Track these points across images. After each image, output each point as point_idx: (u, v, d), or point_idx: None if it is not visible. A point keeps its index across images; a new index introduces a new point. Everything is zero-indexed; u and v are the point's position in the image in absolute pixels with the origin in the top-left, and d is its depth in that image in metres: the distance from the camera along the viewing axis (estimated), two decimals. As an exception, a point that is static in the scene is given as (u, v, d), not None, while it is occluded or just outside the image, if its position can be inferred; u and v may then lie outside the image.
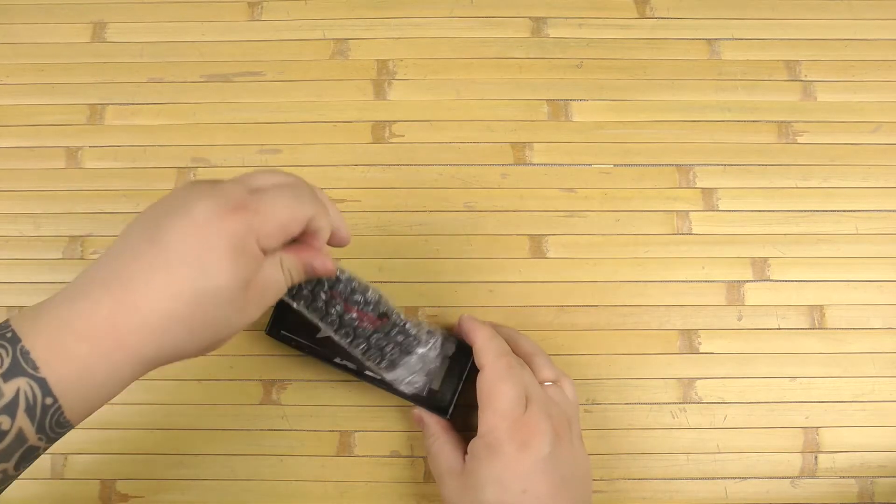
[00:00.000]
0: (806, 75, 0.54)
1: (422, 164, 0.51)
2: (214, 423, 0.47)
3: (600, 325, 0.48)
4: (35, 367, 0.29)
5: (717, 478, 0.47)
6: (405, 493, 0.46)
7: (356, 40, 0.54)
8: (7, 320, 0.31)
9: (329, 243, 0.37)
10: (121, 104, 0.53)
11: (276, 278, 0.34)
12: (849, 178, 0.52)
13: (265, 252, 0.33)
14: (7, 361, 0.29)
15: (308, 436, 0.47)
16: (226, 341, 0.34)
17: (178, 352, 0.32)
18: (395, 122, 0.52)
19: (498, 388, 0.39)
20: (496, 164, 0.52)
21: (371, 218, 0.50)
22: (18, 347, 0.29)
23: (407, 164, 0.51)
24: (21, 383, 0.29)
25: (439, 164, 0.51)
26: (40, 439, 0.30)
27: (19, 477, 0.32)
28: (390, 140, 0.52)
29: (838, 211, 0.51)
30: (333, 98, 0.53)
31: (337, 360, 0.45)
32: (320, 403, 0.47)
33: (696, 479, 0.47)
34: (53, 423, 0.30)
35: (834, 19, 0.55)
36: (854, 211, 0.51)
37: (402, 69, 0.53)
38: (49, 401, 0.29)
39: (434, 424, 0.43)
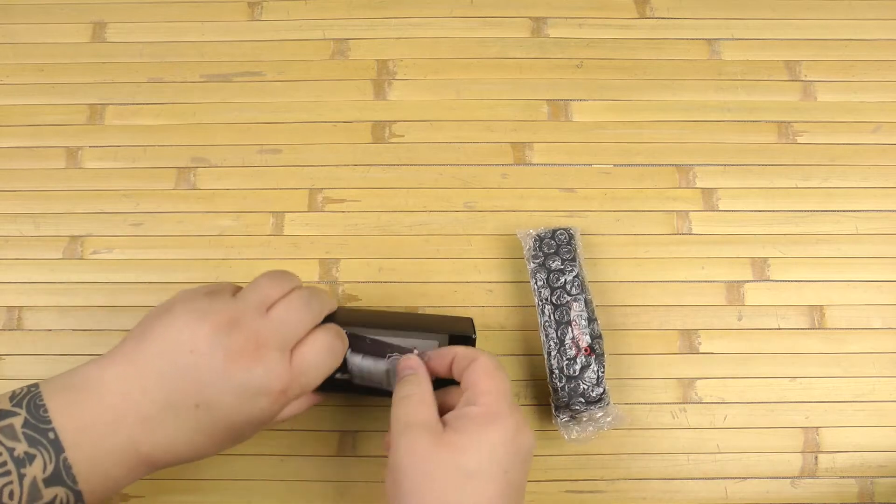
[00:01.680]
0: (806, 75, 0.54)
1: (422, 164, 0.51)
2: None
3: (600, 325, 0.48)
4: (75, 482, 0.33)
5: (717, 478, 0.47)
6: (405, 493, 0.46)
7: (356, 40, 0.54)
8: (42, 402, 0.33)
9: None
10: (121, 104, 0.53)
11: (287, 416, 0.39)
12: (849, 178, 0.51)
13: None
14: (50, 469, 0.32)
15: (308, 436, 0.47)
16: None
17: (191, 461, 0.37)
18: (395, 122, 0.52)
19: (499, 372, 0.37)
20: (496, 164, 0.52)
21: (371, 218, 0.50)
22: (62, 458, 0.33)
23: (407, 164, 0.51)
24: (59, 492, 0.33)
25: (439, 164, 0.51)
26: None
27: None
28: (390, 140, 0.52)
29: (838, 211, 0.51)
30: (333, 98, 0.53)
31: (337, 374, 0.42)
32: (320, 403, 0.47)
33: (696, 479, 0.47)
34: None
35: (834, 19, 0.55)
36: (854, 211, 0.51)
37: (402, 69, 0.53)
38: None
39: (423, 371, 0.39)
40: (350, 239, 0.50)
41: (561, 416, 0.45)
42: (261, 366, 0.35)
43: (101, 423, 0.34)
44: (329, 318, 0.40)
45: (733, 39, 0.54)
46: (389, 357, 0.41)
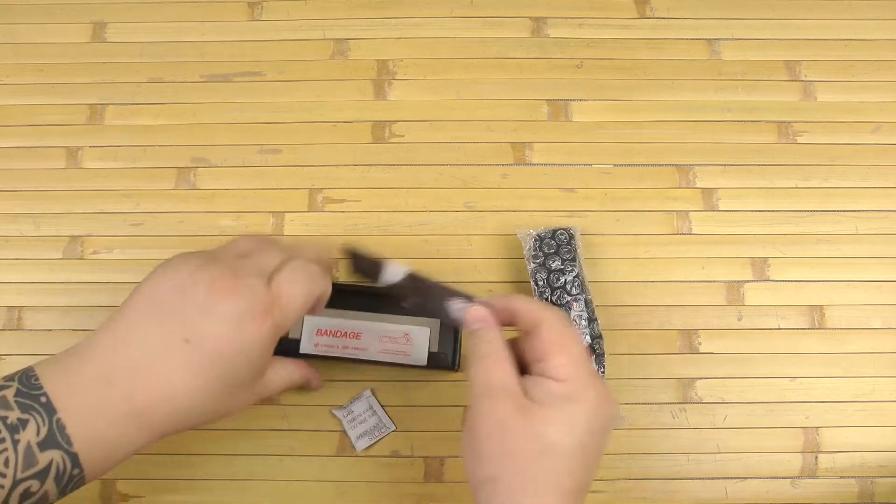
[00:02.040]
0: (806, 75, 0.54)
1: (422, 164, 0.51)
2: (214, 423, 0.47)
3: (600, 325, 0.48)
4: (69, 443, 0.32)
5: (717, 478, 0.47)
6: (405, 493, 0.46)
7: (356, 40, 0.54)
8: (34, 373, 0.33)
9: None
10: (121, 104, 0.53)
11: (282, 384, 0.41)
12: (849, 178, 0.52)
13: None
14: (43, 432, 0.32)
15: (308, 436, 0.47)
16: (232, 415, 0.39)
17: (190, 427, 0.36)
18: (395, 122, 0.52)
19: (569, 335, 0.35)
20: (496, 164, 0.52)
21: (371, 218, 0.50)
22: (55, 420, 0.32)
23: (407, 164, 0.51)
24: (55, 455, 0.32)
25: (439, 164, 0.51)
26: (57, 497, 0.33)
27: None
28: (390, 140, 0.52)
29: (838, 211, 0.51)
30: (333, 98, 0.53)
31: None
32: (320, 403, 0.47)
33: (696, 479, 0.47)
34: (73, 486, 0.33)
35: (834, 19, 0.55)
36: (854, 211, 0.51)
37: (402, 69, 0.53)
38: (77, 472, 0.33)
39: (494, 332, 0.37)
40: (350, 239, 0.50)
41: None
42: (239, 291, 0.35)
43: (92, 380, 0.33)
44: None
45: (733, 39, 0.54)
46: (450, 301, 0.39)
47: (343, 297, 0.45)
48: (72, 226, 0.50)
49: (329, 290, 0.40)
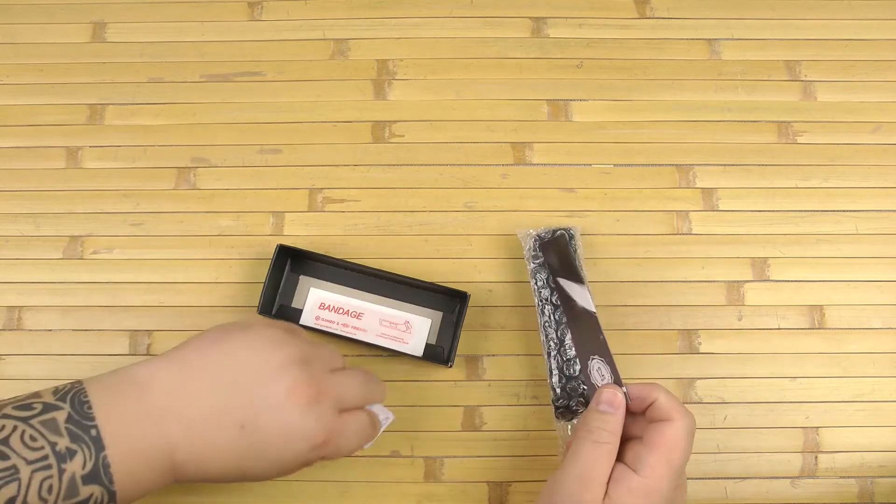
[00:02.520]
0: (806, 75, 0.54)
1: (422, 164, 0.51)
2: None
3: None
4: (111, 481, 0.33)
5: (717, 478, 0.47)
6: (405, 493, 0.46)
7: (356, 40, 0.54)
8: (87, 398, 0.34)
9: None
10: (121, 104, 0.53)
11: (355, 440, 0.40)
12: (849, 178, 0.51)
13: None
14: (89, 466, 0.32)
15: (308, 436, 0.47)
16: None
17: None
18: (395, 122, 0.52)
19: (683, 445, 0.37)
20: (496, 164, 0.52)
21: (371, 218, 0.50)
22: (102, 456, 0.32)
23: (407, 164, 0.51)
24: (95, 490, 0.32)
25: (439, 164, 0.51)
26: None
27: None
28: (390, 140, 0.52)
29: (838, 211, 0.51)
30: (333, 98, 0.53)
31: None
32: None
33: (696, 479, 0.47)
34: None
35: (834, 19, 0.55)
36: (854, 211, 0.51)
37: (402, 69, 0.53)
38: None
39: (617, 422, 0.38)
40: (350, 239, 0.50)
41: (561, 416, 0.45)
42: (315, 411, 0.36)
43: (143, 422, 0.34)
44: (330, 271, 0.48)
45: (733, 39, 0.54)
46: (592, 359, 0.42)
47: (352, 276, 0.48)
48: (72, 226, 0.50)
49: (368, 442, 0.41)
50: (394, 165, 0.51)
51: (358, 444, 0.39)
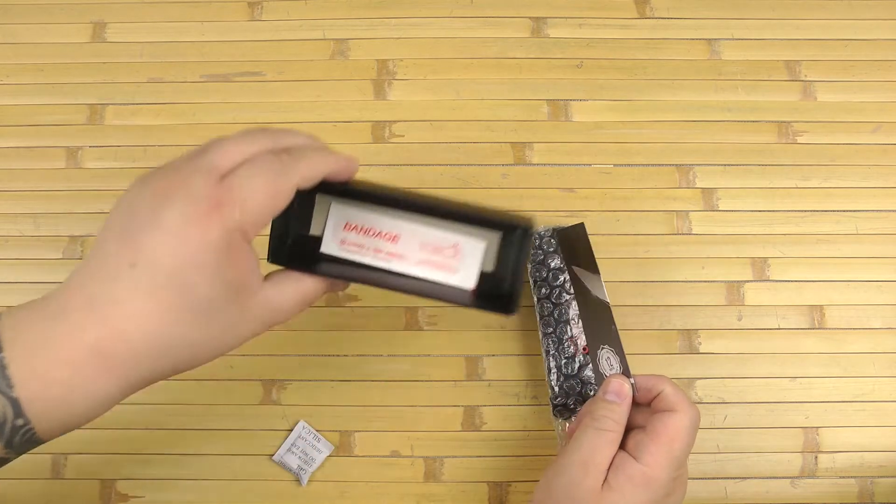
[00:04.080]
0: (806, 75, 0.54)
1: (422, 164, 0.51)
2: (214, 423, 0.47)
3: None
4: (10, 385, 0.28)
5: (717, 478, 0.47)
6: (405, 493, 0.46)
7: (356, 40, 0.54)
8: None
9: (336, 181, 0.34)
10: (121, 104, 0.53)
11: (288, 307, 0.33)
12: (849, 178, 0.51)
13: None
14: None
15: (308, 436, 0.47)
16: (231, 348, 0.33)
17: (176, 369, 0.31)
18: (395, 122, 0.52)
19: (685, 436, 0.37)
20: (496, 164, 0.52)
21: (371, 218, 0.50)
22: None
23: (407, 164, 0.51)
24: None
25: (439, 164, 0.51)
26: (8, 453, 0.29)
27: (19, 476, 0.32)
28: (390, 140, 0.52)
29: (838, 211, 0.51)
30: (333, 98, 0.53)
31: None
32: (320, 403, 0.47)
33: (696, 479, 0.47)
34: (24, 440, 0.29)
35: (834, 19, 0.55)
36: (854, 211, 0.51)
37: (402, 69, 0.53)
38: (20, 422, 0.29)
39: (623, 412, 0.38)
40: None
41: (559, 415, 0.44)
42: (177, 193, 0.30)
43: (42, 315, 0.30)
44: (340, 192, 0.35)
45: (733, 39, 0.54)
46: (602, 348, 0.42)
47: (380, 197, 0.36)
48: (72, 226, 0.50)
49: (321, 174, 0.33)
50: (394, 165, 0.51)
51: (268, 176, 0.31)
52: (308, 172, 0.32)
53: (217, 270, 0.30)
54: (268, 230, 0.34)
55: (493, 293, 0.35)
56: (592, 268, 0.45)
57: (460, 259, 0.35)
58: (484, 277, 0.35)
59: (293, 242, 0.36)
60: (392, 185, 0.36)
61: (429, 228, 0.35)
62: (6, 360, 0.28)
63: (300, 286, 0.34)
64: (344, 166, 0.34)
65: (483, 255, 0.35)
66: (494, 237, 0.35)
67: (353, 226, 0.36)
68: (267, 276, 0.33)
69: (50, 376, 0.29)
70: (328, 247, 0.36)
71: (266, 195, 0.30)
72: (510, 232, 0.35)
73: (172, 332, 0.30)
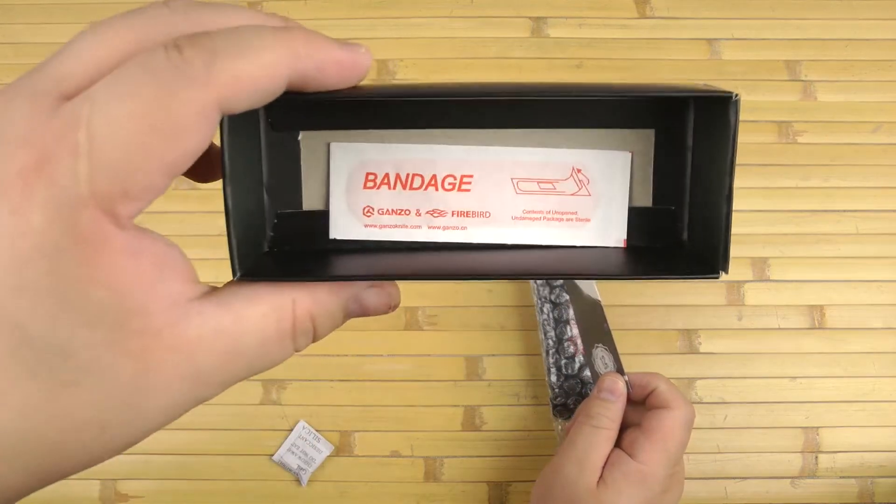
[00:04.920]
0: (806, 75, 0.54)
1: (422, 164, 0.51)
2: (214, 424, 0.47)
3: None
4: None
5: (717, 478, 0.47)
6: (405, 493, 0.46)
7: (356, 40, 0.54)
8: None
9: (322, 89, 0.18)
10: (121, 104, 0.52)
11: (251, 340, 0.18)
12: (849, 178, 0.51)
13: None
14: None
15: (308, 436, 0.47)
16: (135, 441, 0.20)
17: (49, 478, 0.19)
18: (395, 122, 0.52)
19: (680, 433, 0.37)
20: (496, 164, 0.52)
21: (371, 218, 0.50)
22: None
23: (407, 164, 0.51)
24: None
25: (439, 164, 0.51)
26: None
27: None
28: (390, 140, 0.52)
29: (838, 211, 0.51)
30: (333, 98, 0.53)
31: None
32: (320, 403, 0.47)
33: (696, 479, 0.47)
34: None
35: (834, 19, 0.55)
36: (854, 211, 0.51)
37: (402, 69, 0.53)
38: None
39: (618, 410, 0.38)
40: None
41: (559, 415, 0.44)
42: None
43: None
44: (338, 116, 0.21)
45: (733, 39, 0.54)
46: (596, 347, 0.41)
47: (413, 108, 0.21)
48: (72, 226, 0.50)
49: (320, 65, 0.17)
50: (394, 165, 0.51)
51: (139, 101, 0.15)
52: (241, 72, 0.16)
53: (57, 287, 0.15)
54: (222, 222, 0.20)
55: (671, 242, 0.20)
56: None
57: (594, 196, 0.21)
58: (645, 215, 0.21)
59: (276, 235, 0.21)
60: (419, 84, 0.22)
61: (523, 148, 0.20)
62: None
63: (282, 300, 0.18)
64: (336, 56, 0.18)
65: (630, 177, 0.21)
66: (648, 136, 0.20)
67: (380, 177, 0.21)
68: (212, 291, 0.18)
69: None
70: (343, 228, 0.21)
71: (139, 130, 0.15)
72: (680, 115, 0.20)
73: (22, 421, 0.16)
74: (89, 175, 0.15)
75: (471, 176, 0.20)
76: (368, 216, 0.20)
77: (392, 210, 0.20)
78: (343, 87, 0.18)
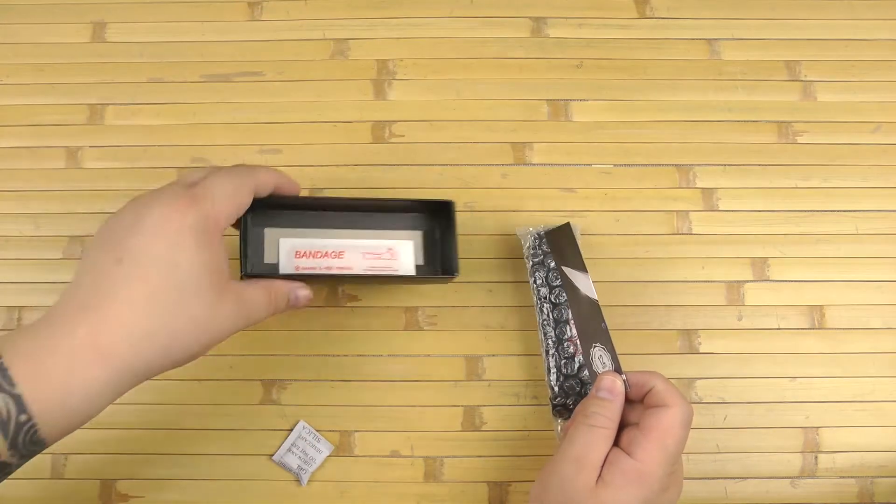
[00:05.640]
0: (806, 75, 0.54)
1: (422, 164, 0.51)
2: (214, 423, 0.47)
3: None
4: (12, 384, 0.29)
5: (717, 478, 0.47)
6: (405, 493, 0.46)
7: (356, 40, 0.54)
8: None
9: (283, 194, 0.40)
10: (121, 104, 0.53)
11: (259, 299, 0.37)
12: (849, 178, 0.51)
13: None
14: None
15: (308, 436, 0.47)
16: (212, 344, 0.35)
17: (166, 359, 0.33)
18: (395, 122, 0.52)
19: (678, 431, 0.37)
20: (496, 164, 0.52)
21: (371, 218, 0.50)
22: None
23: (407, 164, 0.51)
24: None
25: (439, 164, 0.51)
26: (12, 456, 0.30)
27: (19, 476, 0.32)
28: (390, 140, 0.52)
29: (838, 211, 0.51)
30: (333, 98, 0.53)
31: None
32: (320, 403, 0.47)
33: (696, 479, 0.47)
34: (27, 440, 0.30)
35: (834, 19, 0.55)
36: (854, 211, 0.51)
37: (402, 69, 0.53)
38: (24, 417, 0.30)
39: (616, 409, 0.39)
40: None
41: (559, 415, 0.45)
42: (159, 198, 0.34)
43: (37, 326, 0.32)
44: (280, 205, 0.44)
45: (733, 39, 0.54)
46: (594, 346, 0.42)
47: (319, 217, 0.45)
48: (72, 226, 0.50)
49: (273, 185, 0.39)
50: (394, 165, 0.51)
51: (234, 184, 0.37)
52: (263, 178, 0.38)
53: (196, 250, 0.33)
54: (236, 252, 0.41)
55: (434, 269, 0.46)
56: (580, 266, 0.45)
57: (398, 259, 0.45)
58: (419, 268, 0.46)
59: (252, 266, 0.44)
60: (326, 197, 0.48)
61: (366, 240, 0.45)
62: (5, 363, 0.30)
63: (267, 282, 0.38)
64: (289, 182, 0.40)
65: (413, 252, 0.46)
66: (418, 235, 0.46)
67: (302, 253, 0.44)
68: (241, 279, 0.38)
69: (48, 370, 0.30)
70: (284, 269, 0.44)
71: (233, 190, 0.36)
72: (431, 229, 0.46)
73: (167, 323, 0.33)
74: (213, 207, 0.35)
75: (343, 251, 0.45)
76: (298, 269, 0.44)
77: (308, 266, 0.44)
78: (292, 193, 0.41)
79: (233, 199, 0.36)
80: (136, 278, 0.32)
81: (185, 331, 0.33)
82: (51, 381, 0.30)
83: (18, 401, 0.29)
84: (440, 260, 0.45)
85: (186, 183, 0.36)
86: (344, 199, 0.47)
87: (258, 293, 0.37)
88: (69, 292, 0.33)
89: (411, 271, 0.45)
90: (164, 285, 0.33)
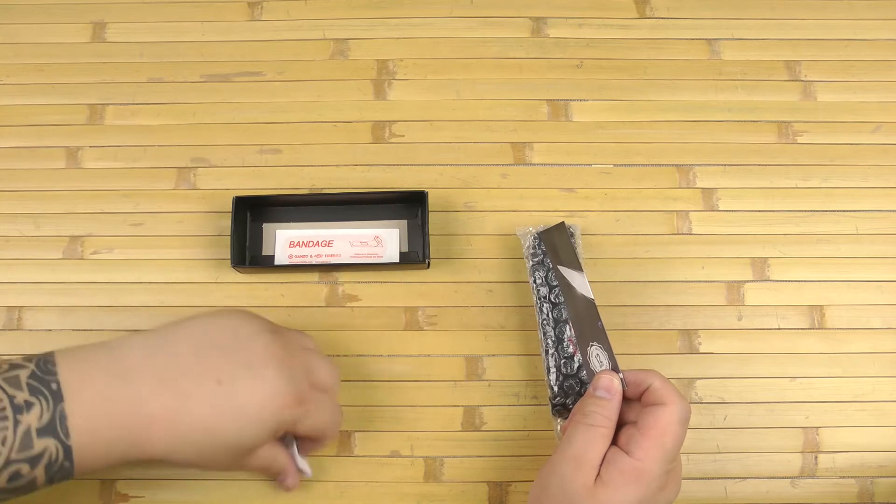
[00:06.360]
0: (806, 75, 0.54)
1: (422, 164, 0.51)
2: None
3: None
4: (67, 435, 0.32)
5: (717, 478, 0.47)
6: (405, 493, 0.46)
7: (356, 40, 0.54)
8: (53, 357, 0.33)
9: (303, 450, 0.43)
10: (121, 104, 0.53)
11: (264, 462, 0.39)
12: (849, 178, 0.51)
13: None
14: (46, 418, 0.32)
15: (308, 436, 0.47)
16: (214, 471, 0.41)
17: (175, 462, 0.36)
18: (395, 122, 0.52)
19: (676, 429, 0.37)
20: (496, 164, 0.52)
21: (371, 218, 0.50)
22: (59, 408, 0.32)
23: (407, 164, 0.51)
24: (50, 444, 0.32)
25: (439, 164, 0.51)
26: (44, 484, 0.33)
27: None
28: (390, 140, 0.52)
29: (838, 211, 0.51)
30: (333, 98, 0.53)
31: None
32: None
33: (696, 479, 0.47)
34: (61, 476, 0.33)
35: (834, 19, 0.55)
36: (854, 211, 0.51)
37: (402, 69, 0.53)
38: (67, 464, 0.33)
39: (613, 408, 0.39)
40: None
41: (558, 415, 0.45)
42: (288, 371, 0.37)
43: (110, 378, 0.34)
44: (279, 203, 0.50)
45: (733, 39, 0.54)
46: (591, 345, 0.42)
47: (313, 211, 0.50)
48: (72, 226, 0.50)
49: (325, 445, 0.42)
50: (394, 165, 0.51)
51: (325, 420, 0.39)
52: (331, 438, 0.42)
53: (264, 436, 0.37)
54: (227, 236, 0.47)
55: (412, 260, 0.49)
56: (576, 266, 0.45)
57: (384, 246, 0.49)
58: (403, 254, 0.49)
59: (252, 258, 0.49)
60: (314, 196, 0.50)
61: (354, 230, 0.49)
62: (67, 412, 0.32)
63: (272, 457, 0.40)
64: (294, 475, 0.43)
65: (399, 239, 0.49)
66: (404, 224, 0.50)
67: (296, 242, 0.49)
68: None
69: (100, 435, 0.33)
70: (280, 261, 0.49)
71: (321, 426, 0.39)
72: (414, 216, 0.50)
73: (205, 443, 0.35)
74: (302, 420, 0.38)
75: (332, 240, 0.49)
76: (291, 258, 0.49)
77: (300, 255, 0.49)
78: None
79: (315, 431, 0.39)
80: (218, 409, 0.35)
81: (203, 462, 0.36)
82: (98, 442, 0.33)
83: (68, 452, 0.32)
84: (422, 244, 0.48)
85: (314, 377, 0.39)
86: (333, 195, 0.50)
87: (265, 461, 0.39)
88: (148, 350, 0.35)
89: (396, 256, 0.49)
90: (227, 434, 0.35)
